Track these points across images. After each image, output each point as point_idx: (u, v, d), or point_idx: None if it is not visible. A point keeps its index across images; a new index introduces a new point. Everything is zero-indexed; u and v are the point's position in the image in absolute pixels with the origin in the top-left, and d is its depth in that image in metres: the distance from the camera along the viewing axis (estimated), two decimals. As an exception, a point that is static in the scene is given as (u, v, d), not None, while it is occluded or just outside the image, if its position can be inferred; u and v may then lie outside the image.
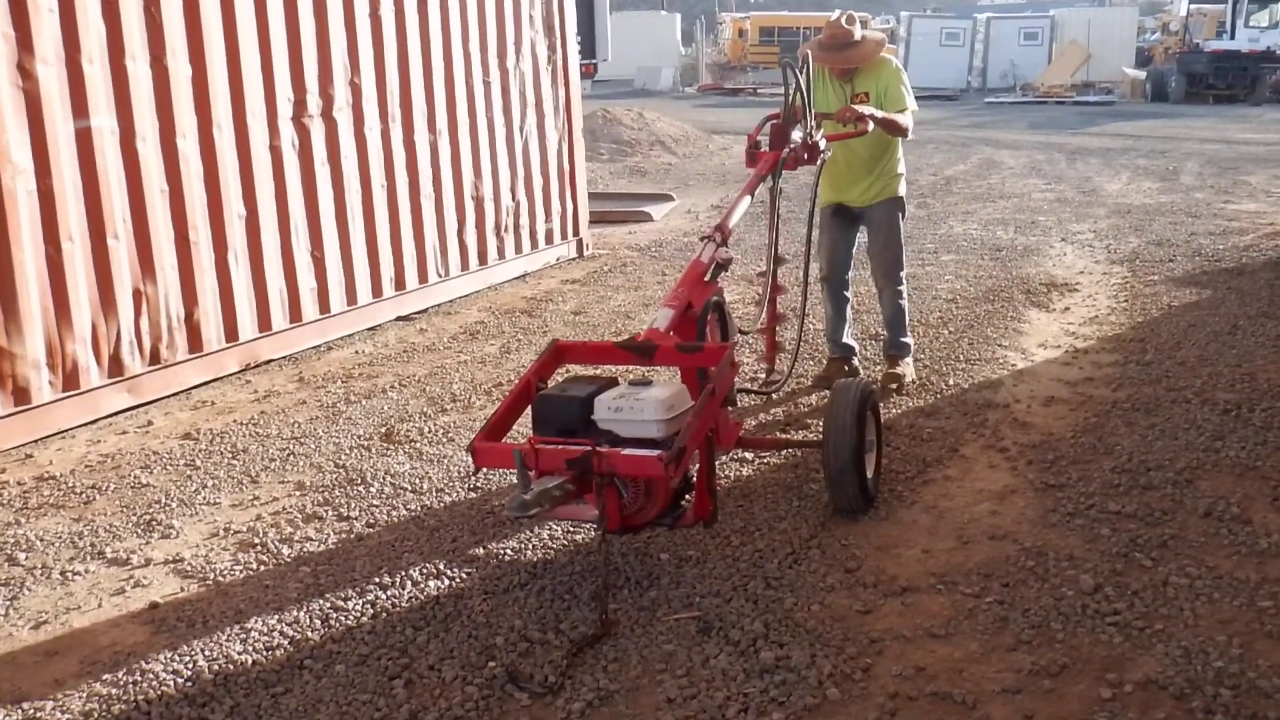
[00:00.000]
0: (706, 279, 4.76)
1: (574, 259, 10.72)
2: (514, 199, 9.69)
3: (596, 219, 11.88)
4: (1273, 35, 35.12)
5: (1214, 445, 5.39)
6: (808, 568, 4.27)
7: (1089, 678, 3.50)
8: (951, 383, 6.50)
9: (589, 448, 3.77)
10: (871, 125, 5.84)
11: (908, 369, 6.51)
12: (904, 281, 6.47)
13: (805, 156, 5.45)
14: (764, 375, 6.19)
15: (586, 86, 14.94)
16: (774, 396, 6.20)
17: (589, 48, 17.17)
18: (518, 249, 9.84)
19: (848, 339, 6.62)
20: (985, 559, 4.31)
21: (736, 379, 4.77)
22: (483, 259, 9.35)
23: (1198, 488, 4.91)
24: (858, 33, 6.07)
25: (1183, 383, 6.34)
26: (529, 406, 4.20)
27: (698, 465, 4.14)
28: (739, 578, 4.19)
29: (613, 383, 4.17)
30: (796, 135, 5.39)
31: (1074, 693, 3.43)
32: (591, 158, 17.45)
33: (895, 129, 6.06)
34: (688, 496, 4.17)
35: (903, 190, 6.41)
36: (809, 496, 4.91)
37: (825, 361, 6.69)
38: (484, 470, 5.21)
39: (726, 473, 5.24)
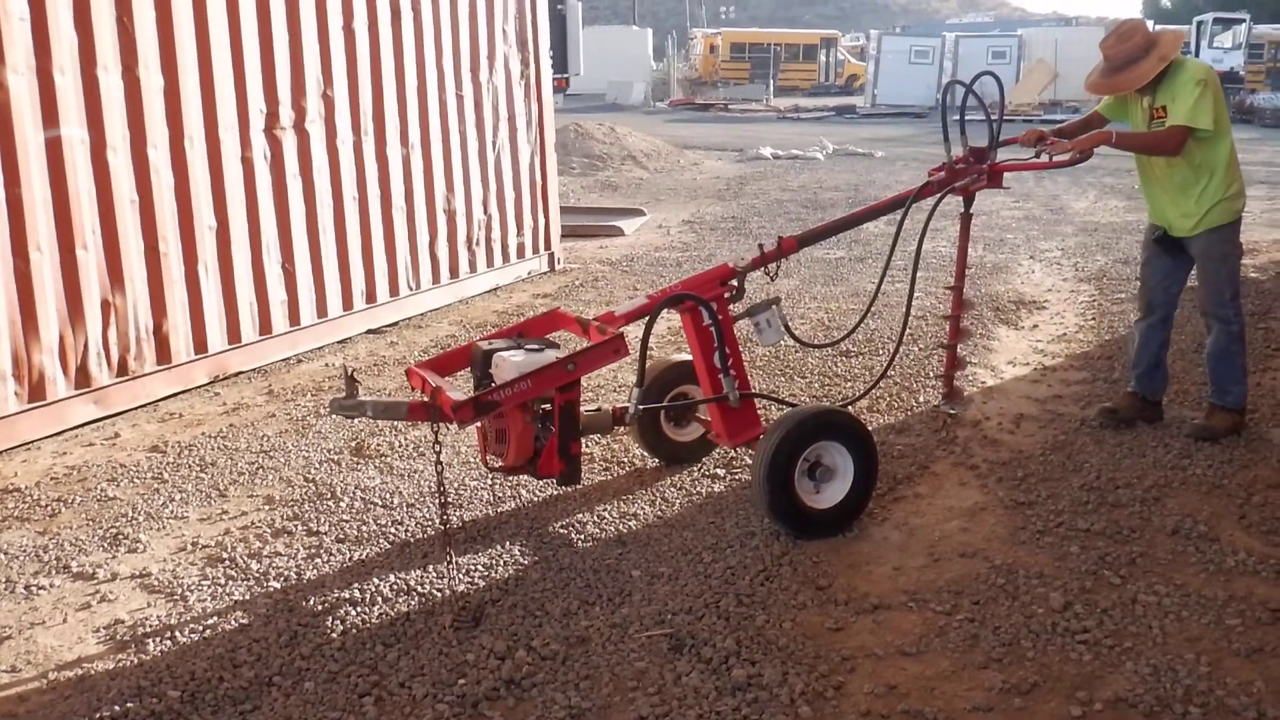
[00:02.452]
0: (731, 281, 5.00)
1: (545, 273, 10.71)
2: (486, 212, 9.68)
3: (568, 233, 11.88)
4: (1236, 56, 35.59)
5: (1181, 463, 5.43)
6: (779, 585, 4.27)
7: (1059, 696, 3.52)
8: (922, 400, 6.53)
9: (435, 385, 4.38)
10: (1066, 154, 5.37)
11: (1221, 422, 5.76)
12: (1233, 320, 5.63)
13: (946, 181, 5.54)
14: (941, 394, 6.20)
15: (558, 100, 14.96)
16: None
17: (561, 62, 17.17)
18: (489, 262, 9.82)
19: (1149, 377, 5.99)
20: (956, 576, 4.33)
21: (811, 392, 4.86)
22: (454, 272, 9.33)
23: (1165, 505, 4.95)
24: (1136, 48, 5.39)
25: (1150, 401, 6.38)
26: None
27: None
28: (711, 595, 4.19)
29: (527, 346, 4.73)
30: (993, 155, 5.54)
31: (1044, 710, 3.45)
32: (563, 171, 17.48)
33: (1146, 150, 5.53)
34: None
35: (1228, 217, 5.55)
36: (781, 513, 4.91)
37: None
38: (461, 485, 5.34)
39: (698, 488, 5.25)
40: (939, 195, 5.56)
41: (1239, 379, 5.76)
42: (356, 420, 6.29)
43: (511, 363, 4.46)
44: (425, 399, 4.41)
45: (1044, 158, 5.55)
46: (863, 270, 10.43)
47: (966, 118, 5.57)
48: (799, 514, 4.64)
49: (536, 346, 4.65)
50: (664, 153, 21.82)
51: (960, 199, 5.67)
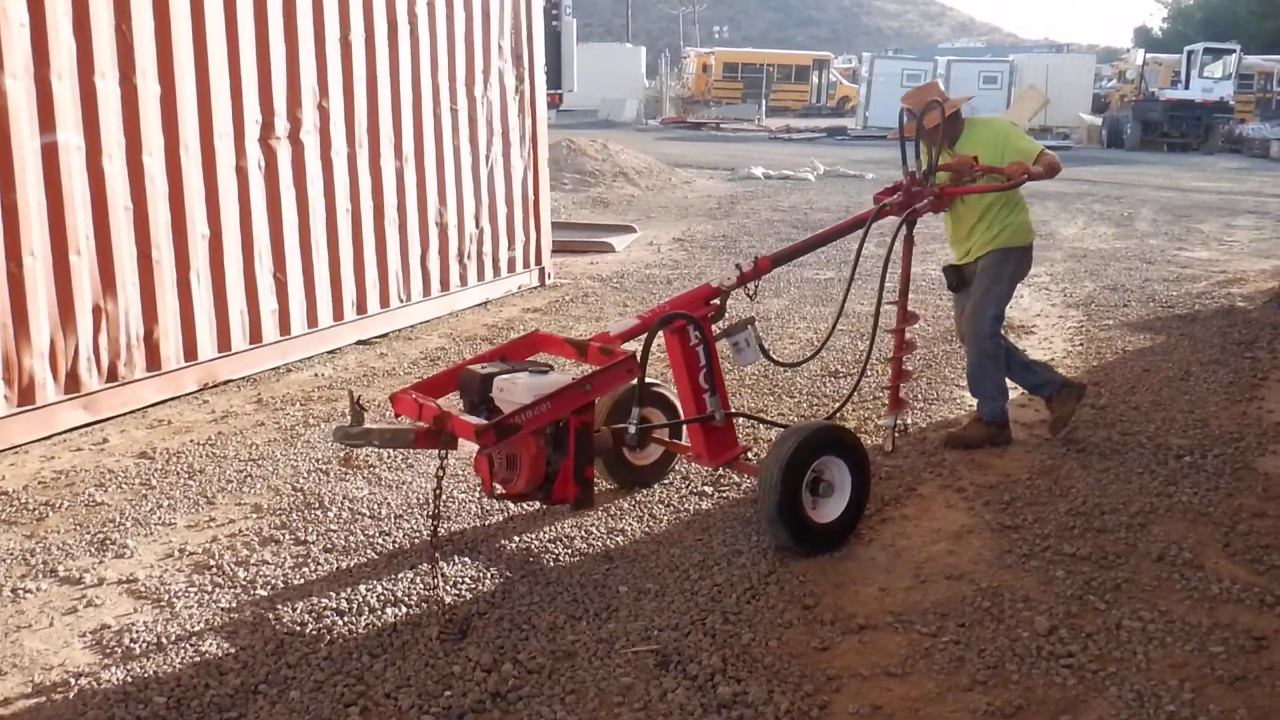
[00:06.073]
0: (715, 300, 5.08)
1: (536, 288, 10.72)
2: (478, 226, 9.70)
3: (559, 248, 11.90)
4: (1226, 86, 35.81)
5: (1167, 490, 5.46)
6: (766, 603, 4.29)
7: (1043, 719, 3.53)
8: (910, 422, 6.54)
9: (441, 410, 4.30)
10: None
11: (976, 432, 6.12)
12: (988, 337, 6.00)
13: (902, 203, 5.72)
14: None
15: (551, 116, 15.01)
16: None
17: (555, 78, 17.22)
18: (480, 276, 9.83)
19: (1047, 378, 6.27)
20: (942, 598, 4.34)
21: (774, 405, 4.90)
22: (445, 285, 9.34)
23: (1151, 532, 4.97)
24: (937, 96, 5.81)
25: (1136, 427, 6.42)
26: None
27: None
28: (697, 612, 4.20)
29: (525, 368, 4.63)
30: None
31: (1028, 733, 3.46)
32: (555, 187, 17.51)
33: (1052, 174, 5.78)
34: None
35: (1018, 240, 6.00)
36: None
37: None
38: (449, 497, 5.33)
39: (686, 505, 5.26)
40: (903, 218, 5.74)
41: (993, 394, 6.09)
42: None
43: (523, 385, 4.37)
44: (422, 425, 4.36)
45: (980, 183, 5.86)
46: (853, 291, 10.43)
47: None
48: (804, 528, 4.67)
49: (541, 369, 4.60)
50: (656, 170, 21.87)
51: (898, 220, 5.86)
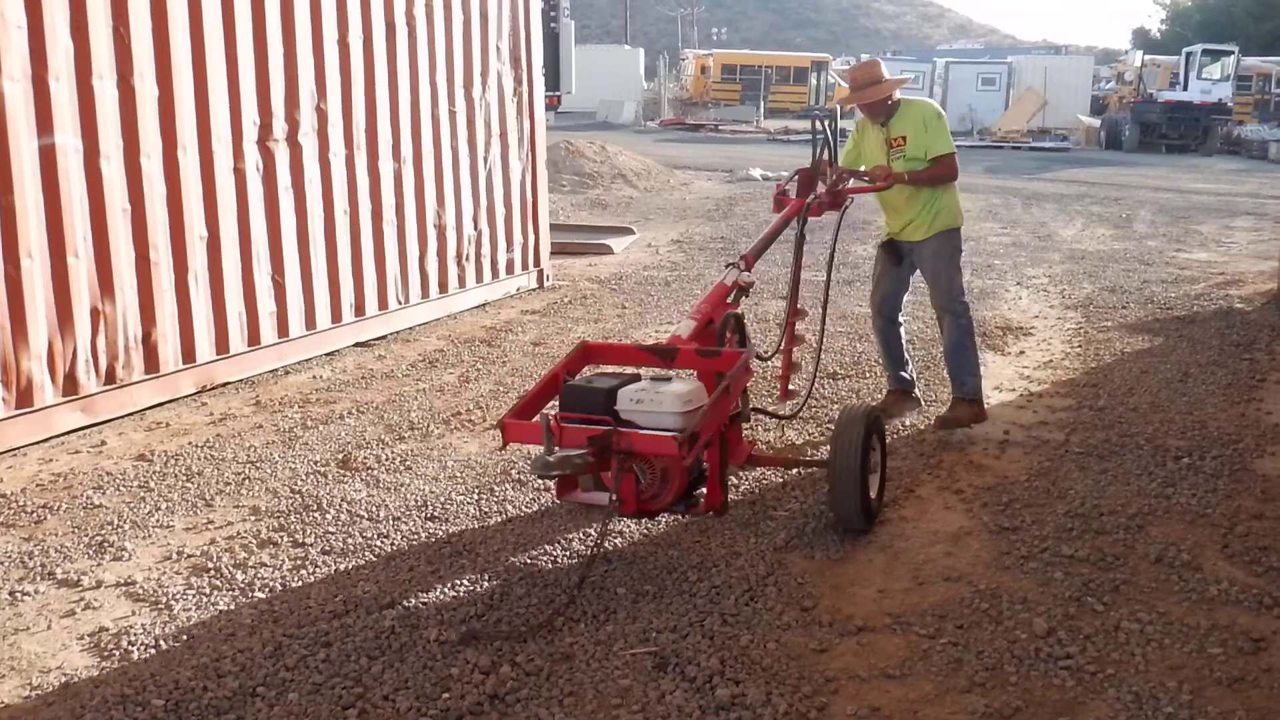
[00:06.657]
0: (730, 300, 5.16)
1: (534, 290, 10.72)
2: (476, 228, 9.70)
3: (557, 250, 11.90)
4: (1224, 88, 35.84)
5: (1165, 491, 5.46)
6: (764, 605, 4.28)
7: (1041, 720, 3.53)
8: (908, 423, 6.55)
9: (610, 426, 4.14)
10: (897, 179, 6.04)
11: (963, 412, 6.31)
12: (962, 315, 6.30)
13: (828, 203, 5.97)
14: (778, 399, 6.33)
15: (550, 118, 15.02)
16: (789, 420, 6.34)
17: (553, 80, 17.24)
18: (478, 278, 9.84)
19: (904, 373, 6.69)
20: (940, 600, 4.34)
21: (756, 401, 5.01)
22: (443, 287, 9.34)
23: (1149, 533, 4.97)
24: (875, 74, 6.17)
25: (1135, 429, 6.42)
26: (555, 396, 4.57)
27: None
28: (696, 614, 4.19)
29: (635, 378, 4.49)
30: (822, 186, 6.00)
31: (1026, 735, 3.46)
32: (553, 189, 17.49)
33: (939, 180, 6.17)
34: (700, 490, 4.56)
35: (954, 222, 6.31)
36: (766, 533, 4.93)
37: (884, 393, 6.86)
38: (447, 499, 5.34)
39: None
40: (841, 212, 6.14)
41: (973, 370, 6.35)
42: (345, 434, 6.30)
43: (671, 395, 4.25)
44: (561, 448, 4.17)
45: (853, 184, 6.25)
46: (849, 293, 10.44)
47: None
48: (867, 508, 4.88)
49: (664, 376, 4.50)
50: (654, 172, 21.87)
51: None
